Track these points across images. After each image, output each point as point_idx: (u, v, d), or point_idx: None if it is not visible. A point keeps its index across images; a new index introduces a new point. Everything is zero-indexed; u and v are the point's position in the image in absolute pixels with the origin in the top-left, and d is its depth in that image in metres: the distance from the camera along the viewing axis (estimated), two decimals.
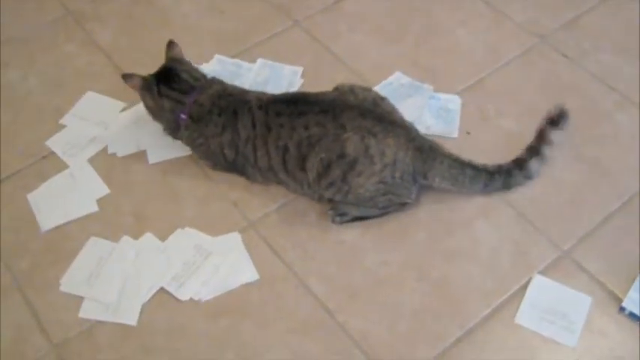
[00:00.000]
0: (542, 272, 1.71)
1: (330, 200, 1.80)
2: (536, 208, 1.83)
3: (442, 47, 2.23)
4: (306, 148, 1.74)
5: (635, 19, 2.27)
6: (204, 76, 1.93)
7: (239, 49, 2.25)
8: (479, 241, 1.77)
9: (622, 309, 1.64)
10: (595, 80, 2.10)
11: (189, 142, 1.92)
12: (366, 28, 2.30)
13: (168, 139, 2.00)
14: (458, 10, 2.35)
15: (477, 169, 1.81)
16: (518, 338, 1.62)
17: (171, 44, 1.96)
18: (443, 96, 2.07)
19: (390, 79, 2.13)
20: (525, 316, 1.64)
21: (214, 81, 1.92)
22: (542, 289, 1.68)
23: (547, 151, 1.84)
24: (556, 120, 1.85)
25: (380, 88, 2.05)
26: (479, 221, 1.81)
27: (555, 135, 1.84)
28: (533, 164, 1.84)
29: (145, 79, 1.90)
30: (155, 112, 1.93)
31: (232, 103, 1.85)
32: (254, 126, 1.80)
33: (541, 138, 1.84)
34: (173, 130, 1.92)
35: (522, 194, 1.85)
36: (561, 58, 2.17)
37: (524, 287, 1.69)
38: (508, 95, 2.08)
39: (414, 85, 2.10)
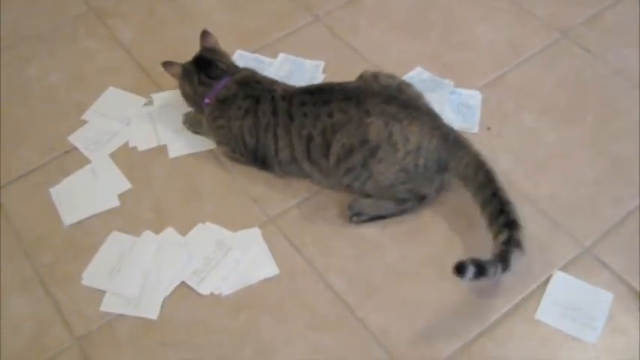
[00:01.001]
0: (563, 269, 1.70)
1: (348, 186, 1.78)
2: (557, 204, 1.82)
3: (463, 42, 2.22)
4: (331, 135, 1.74)
5: None
6: (235, 66, 1.96)
7: (260, 44, 2.25)
8: None
9: None
10: (617, 76, 2.09)
11: (211, 123, 1.91)
12: (387, 23, 2.30)
13: (188, 134, 2.01)
14: (479, 5, 2.33)
15: (490, 177, 1.69)
16: (538, 334, 1.61)
17: (205, 34, 1.99)
18: (464, 91, 2.07)
19: (411, 74, 2.12)
20: (546, 312, 1.64)
21: (245, 69, 1.96)
22: (563, 286, 1.67)
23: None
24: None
25: None
26: None
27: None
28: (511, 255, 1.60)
29: (184, 67, 1.94)
30: (190, 99, 1.96)
31: (258, 91, 1.87)
32: (274, 114, 1.81)
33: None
34: (199, 112, 1.96)
35: (542, 190, 1.84)
36: (583, 54, 2.16)
37: (545, 284, 1.68)
38: (529, 91, 2.07)
39: (435, 80, 2.10)
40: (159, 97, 2.12)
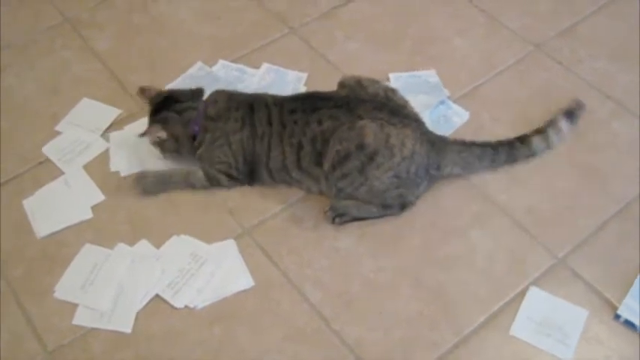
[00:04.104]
0: (538, 280, 1.71)
1: (340, 191, 1.78)
2: (532, 215, 1.83)
3: (438, 55, 2.23)
4: (321, 144, 1.75)
5: (630, 27, 2.27)
6: (200, 88, 1.93)
7: (235, 55, 2.25)
8: (474, 249, 1.77)
9: (617, 316, 1.64)
10: (590, 88, 2.11)
11: (209, 146, 1.85)
12: (362, 35, 2.31)
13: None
14: (454, 18, 2.35)
15: (482, 146, 1.86)
16: (512, 348, 1.62)
17: (142, 90, 1.92)
18: (454, 106, 2.07)
19: (421, 72, 2.16)
20: (521, 328, 1.64)
21: (218, 90, 1.93)
22: (538, 302, 1.68)
23: (554, 135, 1.91)
24: (571, 112, 1.94)
25: (406, 77, 2.13)
26: (474, 228, 1.81)
27: (565, 125, 1.92)
28: (536, 140, 1.89)
29: (157, 120, 1.85)
30: (181, 140, 1.86)
31: (248, 99, 1.87)
32: (270, 123, 1.81)
33: (550, 122, 1.92)
34: (188, 150, 1.89)
35: (517, 201, 1.85)
36: (556, 66, 2.18)
37: (520, 295, 1.69)
38: (503, 103, 2.08)
39: (437, 86, 2.12)
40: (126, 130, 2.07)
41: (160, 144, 1.89)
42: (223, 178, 1.88)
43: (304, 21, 2.36)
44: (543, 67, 2.18)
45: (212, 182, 1.89)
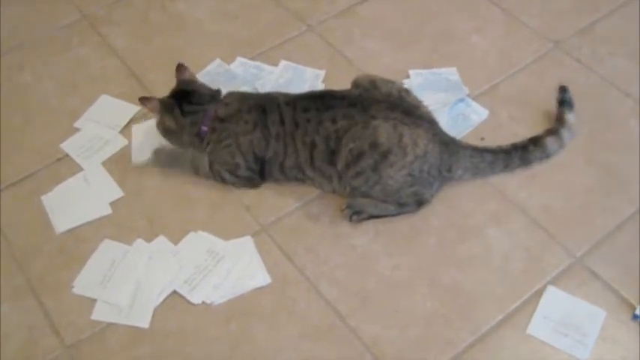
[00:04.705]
0: (555, 279, 1.70)
1: (354, 189, 1.79)
2: (549, 214, 1.82)
3: (456, 53, 2.22)
4: (335, 142, 1.75)
5: None
6: (219, 91, 1.92)
7: (253, 53, 2.26)
8: (491, 247, 1.77)
9: (635, 316, 1.63)
10: (609, 86, 2.10)
11: (216, 145, 1.86)
12: (380, 33, 2.30)
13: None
14: (473, 15, 2.34)
15: (494, 153, 1.86)
16: (529, 348, 1.61)
17: (180, 67, 1.93)
18: (473, 104, 2.07)
19: (442, 70, 2.15)
20: (538, 327, 1.63)
21: (233, 92, 1.93)
22: (556, 301, 1.67)
23: (566, 132, 1.91)
24: (567, 101, 1.95)
25: (426, 74, 2.13)
26: (491, 227, 1.80)
27: (572, 117, 1.92)
28: (549, 141, 1.89)
29: (162, 101, 1.87)
30: (174, 133, 1.89)
31: (260, 101, 1.86)
32: (282, 122, 1.81)
33: (560, 120, 1.93)
34: (196, 146, 1.90)
35: (535, 200, 1.84)
36: (575, 64, 2.16)
37: (537, 294, 1.68)
38: (522, 101, 2.07)
39: (457, 84, 2.11)
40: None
41: (163, 130, 1.90)
42: (227, 175, 1.88)
43: (322, 18, 2.36)
44: (562, 65, 2.17)
45: (215, 176, 1.90)
